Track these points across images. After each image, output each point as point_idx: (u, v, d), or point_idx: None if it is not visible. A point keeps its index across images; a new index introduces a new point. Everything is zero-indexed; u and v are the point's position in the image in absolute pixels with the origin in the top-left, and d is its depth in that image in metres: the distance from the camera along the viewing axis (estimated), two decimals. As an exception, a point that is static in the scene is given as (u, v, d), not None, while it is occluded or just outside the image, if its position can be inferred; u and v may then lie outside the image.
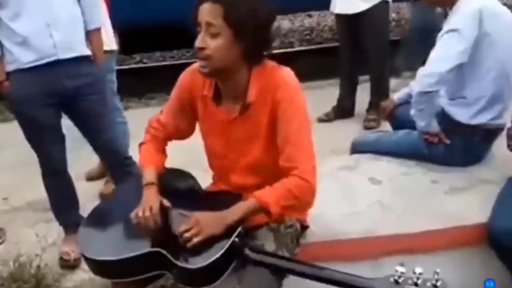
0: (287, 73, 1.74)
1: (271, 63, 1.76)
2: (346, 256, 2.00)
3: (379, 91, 3.98)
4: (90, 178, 3.37)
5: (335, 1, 3.93)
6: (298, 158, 1.68)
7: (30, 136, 2.54)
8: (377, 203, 2.23)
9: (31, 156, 2.61)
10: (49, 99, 2.43)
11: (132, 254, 1.66)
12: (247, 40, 1.63)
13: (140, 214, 1.69)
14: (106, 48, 3.07)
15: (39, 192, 2.70)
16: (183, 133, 1.95)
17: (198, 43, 1.63)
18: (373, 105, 3.97)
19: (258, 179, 1.77)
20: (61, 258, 2.59)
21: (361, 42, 3.95)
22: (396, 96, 2.76)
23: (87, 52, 2.54)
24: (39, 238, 2.59)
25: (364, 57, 4.05)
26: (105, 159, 2.72)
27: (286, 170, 1.69)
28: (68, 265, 2.56)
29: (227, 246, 1.58)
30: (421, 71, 2.28)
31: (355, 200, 2.26)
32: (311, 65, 5.34)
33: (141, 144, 1.95)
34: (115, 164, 2.70)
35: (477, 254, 2.13)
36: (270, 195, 1.65)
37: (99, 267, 1.74)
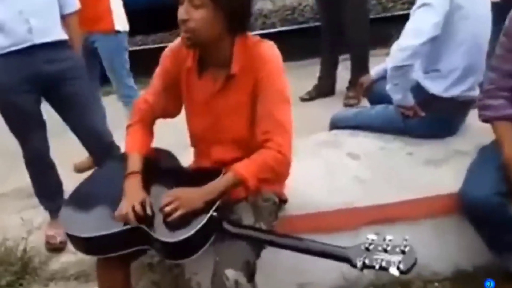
0: (270, 48, 1.77)
1: (254, 37, 1.78)
2: (325, 228, 2.05)
3: (359, 69, 4.01)
4: (79, 170, 3.33)
5: None
6: (275, 132, 1.72)
7: (11, 123, 2.55)
8: (355, 177, 2.27)
9: (16, 144, 2.63)
10: (27, 85, 2.44)
11: (113, 230, 1.70)
12: (229, 10, 1.65)
13: (123, 211, 1.69)
14: (119, 28, 3.12)
15: (24, 179, 2.73)
16: (170, 112, 1.97)
17: (181, 15, 1.65)
18: (353, 83, 3.99)
19: (239, 153, 1.80)
20: (47, 242, 2.64)
21: (341, 19, 3.98)
22: (373, 71, 2.81)
23: (64, 36, 2.54)
24: (25, 222, 2.61)
25: (345, 36, 4.07)
26: (87, 145, 2.73)
27: (262, 142, 1.73)
28: (55, 248, 2.61)
29: (205, 220, 1.62)
30: (395, 45, 2.32)
31: (334, 175, 2.30)
32: (293, 45, 5.33)
33: (128, 126, 1.96)
34: (97, 149, 2.70)
35: (452, 223, 2.19)
36: (247, 168, 1.69)
37: (83, 244, 1.77)
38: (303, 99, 4.22)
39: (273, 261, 2.00)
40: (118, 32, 3.18)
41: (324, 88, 4.28)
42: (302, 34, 5.80)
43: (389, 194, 2.17)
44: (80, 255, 2.34)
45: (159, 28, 5.93)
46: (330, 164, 2.38)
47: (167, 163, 1.97)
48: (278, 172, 1.76)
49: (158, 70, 1.91)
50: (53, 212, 2.67)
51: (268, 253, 1.77)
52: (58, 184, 2.69)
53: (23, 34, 2.39)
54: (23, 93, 2.46)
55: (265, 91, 1.73)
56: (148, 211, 1.69)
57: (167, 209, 1.64)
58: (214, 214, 1.66)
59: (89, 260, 2.30)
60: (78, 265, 2.46)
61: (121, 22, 3.18)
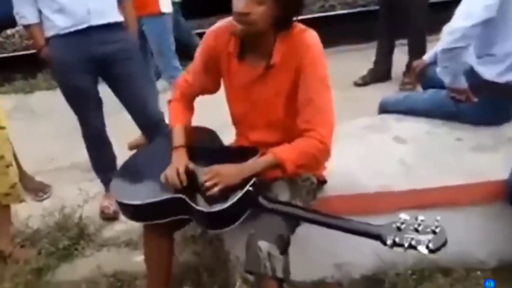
0: (312, 37, 1.79)
1: (297, 26, 1.81)
2: (363, 210, 2.04)
3: (417, 54, 3.91)
4: (132, 147, 3.40)
5: None
6: (317, 121, 1.75)
7: (71, 101, 2.70)
8: (399, 161, 2.26)
9: (75, 120, 2.77)
10: (85, 65, 2.57)
11: (158, 199, 1.81)
12: (284, 9, 1.71)
13: (169, 175, 1.81)
14: (164, 10, 3.22)
15: (83, 155, 2.88)
16: (209, 91, 2.04)
17: (242, 8, 1.69)
18: (410, 69, 3.93)
19: (277, 137, 1.84)
20: (101, 211, 2.80)
21: (400, 3, 3.90)
22: (426, 55, 2.75)
23: (120, 18, 2.65)
24: (82, 193, 2.78)
25: (403, 19, 3.99)
26: (140, 123, 2.83)
27: (303, 131, 1.76)
28: (108, 217, 2.77)
29: (241, 194, 1.70)
30: (446, 27, 2.27)
31: (378, 158, 2.30)
32: (351, 28, 5.28)
33: (169, 101, 2.06)
34: (149, 127, 2.79)
35: (498, 211, 2.14)
36: (287, 153, 1.74)
37: (130, 211, 1.89)
38: (357, 84, 4.18)
39: (309, 240, 2.04)
40: (163, 14, 3.27)
41: (379, 73, 4.21)
42: (361, 18, 5.69)
43: (433, 179, 2.15)
44: (130, 225, 2.53)
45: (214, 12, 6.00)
46: (374, 148, 2.38)
47: (208, 140, 2.04)
48: (318, 161, 1.82)
49: (199, 49, 1.97)
50: (108, 184, 2.81)
51: (305, 232, 1.82)
52: (113, 159, 2.82)
53: (82, 15, 2.51)
54: (82, 73, 2.59)
55: (307, 78, 1.76)
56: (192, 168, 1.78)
57: (208, 184, 1.73)
58: (251, 189, 1.72)
59: (137, 230, 2.42)
60: (128, 234, 2.60)
61: (165, 4, 3.27)
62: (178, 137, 1.92)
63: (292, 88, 1.80)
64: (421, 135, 2.42)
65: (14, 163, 2.52)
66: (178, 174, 1.80)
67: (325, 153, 1.79)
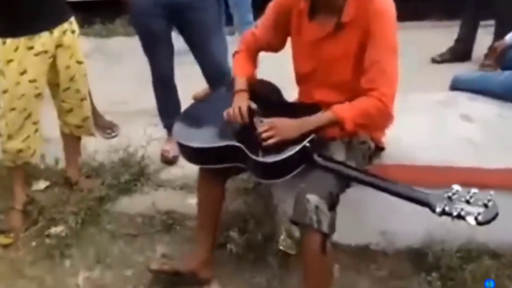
0: (385, 1, 1.77)
1: None
2: (419, 182, 1.99)
3: (502, 36, 3.74)
4: (197, 99, 3.41)
5: None
6: (380, 82, 1.73)
7: (144, 44, 2.79)
8: (463, 139, 2.21)
9: (147, 67, 2.86)
10: (160, 9, 2.63)
11: (215, 145, 1.88)
12: None
13: (231, 112, 1.87)
14: None
15: (151, 100, 2.98)
16: (274, 47, 2.06)
17: None
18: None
19: (341, 97, 1.84)
20: (162, 155, 2.91)
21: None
22: (508, 36, 2.64)
23: None
24: (146, 134, 2.89)
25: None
26: (207, 73, 2.87)
27: (366, 90, 1.75)
28: (167, 160, 2.88)
29: (298, 147, 1.73)
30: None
31: (441, 133, 2.26)
32: (437, 4, 5.09)
33: (235, 53, 2.10)
34: (215, 78, 2.82)
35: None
36: (347, 111, 1.74)
37: (188, 152, 1.97)
38: (434, 61, 4.05)
39: (359, 204, 2.05)
40: None
41: (459, 52, 4.04)
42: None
43: (496, 161, 2.08)
44: (187, 170, 2.63)
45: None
46: (440, 122, 2.34)
47: (271, 94, 2.07)
48: (377, 121, 1.80)
49: (271, 4, 1.98)
50: (170, 130, 2.89)
51: (355, 195, 1.82)
52: (177, 106, 2.90)
53: None
54: (156, 17, 2.66)
55: (375, 41, 1.75)
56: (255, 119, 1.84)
57: (264, 135, 1.76)
58: (307, 144, 1.74)
59: (193, 175, 2.50)
60: (184, 178, 2.70)
61: None
62: (240, 83, 1.97)
63: (360, 49, 1.79)
64: (491, 117, 2.35)
65: (88, 98, 2.65)
66: (240, 111, 1.85)
67: (385, 114, 1.77)
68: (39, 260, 2.34)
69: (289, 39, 2.02)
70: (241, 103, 1.90)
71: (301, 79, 2.03)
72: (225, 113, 1.90)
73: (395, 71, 1.77)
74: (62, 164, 2.83)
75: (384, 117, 1.80)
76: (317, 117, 1.79)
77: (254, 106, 1.91)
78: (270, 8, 1.99)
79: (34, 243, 2.43)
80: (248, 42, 2.07)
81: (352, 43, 1.80)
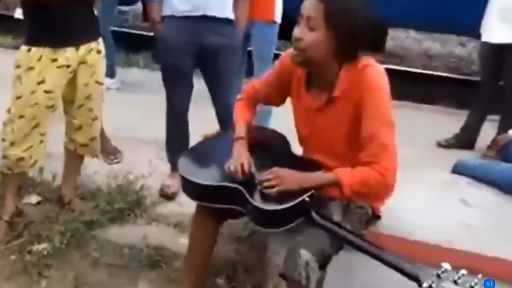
0: (377, 74, 1.79)
1: (364, 61, 1.82)
2: (411, 256, 2.02)
3: (505, 131, 3.83)
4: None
5: (484, 26, 3.83)
6: (382, 156, 1.74)
7: (165, 78, 2.87)
8: (461, 222, 2.23)
9: (162, 101, 2.94)
10: (189, 48, 2.73)
11: (216, 184, 1.90)
12: (341, 40, 1.73)
13: (232, 168, 1.89)
14: (277, 19, 3.35)
15: (161, 133, 3.03)
16: (272, 102, 2.15)
17: (296, 33, 1.76)
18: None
19: (335, 163, 1.86)
20: (161, 189, 2.92)
21: (501, 78, 3.84)
22: (511, 131, 2.72)
23: (232, 16, 2.80)
24: (149, 164, 2.91)
25: (501, 96, 3.91)
26: (220, 117, 2.95)
27: (367, 164, 1.76)
28: (166, 195, 2.89)
29: (297, 200, 1.74)
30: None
31: (439, 214, 2.28)
32: (448, 92, 5.24)
33: (237, 100, 2.18)
34: (227, 120, 2.83)
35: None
36: (348, 177, 1.75)
37: (190, 188, 1.99)
38: (439, 144, 4.13)
39: (350, 267, 2.04)
40: (275, 22, 3.40)
41: (464, 140, 4.12)
42: (460, 84, 5.63)
43: (491, 249, 2.09)
44: (184, 208, 2.64)
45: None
46: (439, 202, 2.37)
47: (279, 144, 2.12)
48: (376, 192, 1.80)
49: (276, 64, 2.05)
50: (175, 165, 2.93)
51: (349, 259, 1.84)
52: (186, 143, 2.94)
53: (199, 4, 2.68)
54: (185, 55, 2.75)
55: (371, 115, 1.76)
56: (252, 169, 1.87)
57: (267, 183, 1.79)
58: (307, 199, 1.76)
59: (189, 215, 2.50)
60: (180, 216, 2.69)
61: (278, 14, 3.41)
62: (240, 130, 2.03)
63: (353, 122, 1.81)
64: (488, 204, 2.38)
65: (100, 118, 2.68)
66: (242, 168, 1.88)
67: (385, 187, 1.78)
68: (15, 276, 2.30)
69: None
70: (243, 156, 1.92)
71: (300, 141, 2.08)
72: (226, 167, 1.93)
73: (394, 145, 1.78)
74: (58, 181, 2.83)
75: (384, 190, 1.81)
76: (319, 175, 1.82)
77: (252, 163, 1.93)
78: (274, 67, 2.06)
79: (13, 257, 2.39)
80: (247, 92, 2.16)
81: (344, 116, 1.84)
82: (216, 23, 2.72)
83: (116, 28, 6.97)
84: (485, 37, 3.82)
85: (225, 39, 2.75)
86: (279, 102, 2.13)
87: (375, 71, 1.80)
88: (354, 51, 1.79)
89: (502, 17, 3.63)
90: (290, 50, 1.93)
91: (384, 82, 1.80)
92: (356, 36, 1.75)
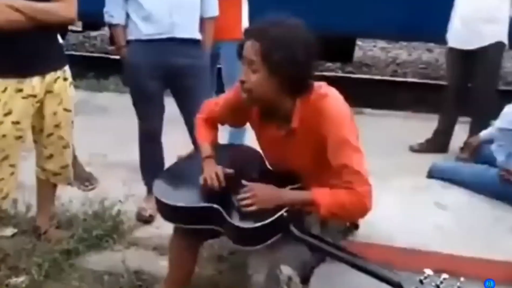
0: (335, 104, 1.79)
1: (319, 90, 1.81)
2: (389, 263, 2.03)
3: (477, 133, 3.90)
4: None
5: (450, 32, 3.90)
6: (356, 183, 1.74)
7: (135, 101, 2.85)
8: (435, 224, 2.26)
9: (134, 123, 2.92)
10: (157, 71, 2.73)
11: (193, 205, 1.89)
12: (284, 77, 1.73)
13: (207, 177, 1.90)
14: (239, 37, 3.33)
15: (135, 155, 3.00)
16: (232, 124, 2.18)
17: (240, 76, 1.79)
18: (468, 145, 3.90)
19: (310, 184, 1.85)
20: (138, 212, 2.89)
21: (469, 81, 3.91)
22: (482, 133, 2.77)
23: (198, 36, 2.81)
24: (124, 189, 2.89)
25: (470, 99, 3.99)
26: (193, 136, 2.91)
27: (345, 188, 1.75)
28: (143, 219, 2.86)
29: (275, 217, 1.74)
30: (507, 108, 2.29)
31: (414, 217, 2.30)
32: (418, 97, 5.33)
33: (199, 117, 2.17)
34: None
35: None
36: (326, 199, 1.75)
37: (165, 210, 1.97)
38: (413, 149, 4.17)
39: (332, 279, 2.04)
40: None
41: (437, 144, 4.17)
42: (429, 89, 5.73)
43: (466, 249, 2.12)
44: (162, 231, 2.60)
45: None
46: (414, 207, 2.39)
47: (253, 159, 2.11)
48: (352, 216, 1.85)
49: (236, 88, 1.98)
50: (150, 187, 2.90)
51: (330, 270, 1.84)
52: (161, 165, 2.92)
53: (166, 26, 2.68)
54: (153, 78, 2.74)
55: (333, 145, 1.76)
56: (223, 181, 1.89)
57: (243, 202, 1.79)
58: (285, 214, 1.76)
59: (168, 237, 2.48)
60: (158, 239, 2.66)
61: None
62: (206, 150, 2.03)
63: (318, 148, 1.80)
64: (462, 206, 2.42)
65: (71, 146, 2.66)
66: (217, 176, 1.88)
67: (362, 211, 1.79)
68: (-6, 311, 2.25)
69: None
70: (213, 168, 1.93)
71: (269, 164, 2.07)
72: (201, 179, 1.93)
73: (363, 168, 1.77)
74: (33, 212, 2.78)
75: (359, 214, 1.84)
76: (296, 193, 1.82)
77: (230, 171, 1.95)
78: (234, 90, 2.02)
79: (-10, 292, 2.34)
80: (209, 112, 2.14)
81: (307, 145, 1.84)
82: (182, 45, 2.73)
83: (85, 53, 6.98)
84: (451, 43, 3.89)
85: (192, 60, 2.76)
86: (240, 125, 2.14)
87: (332, 101, 1.79)
88: (302, 84, 1.78)
89: (465, 23, 3.71)
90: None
91: (343, 110, 1.79)
92: (299, 70, 1.73)
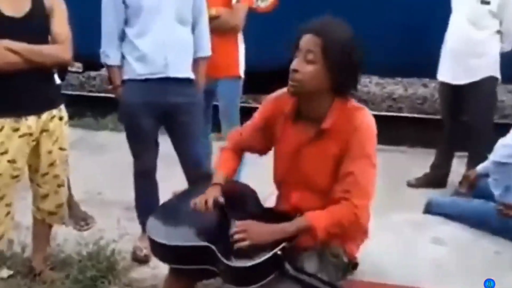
0: (368, 118, 1.87)
1: (355, 103, 1.90)
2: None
3: (474, 167, 3.89)
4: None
5: (441, 67, 3.91)
6: (353, 193, 1.79)
7: (130, 137, 2.87)
8: (433, 262, 2.24)
9: (130, 162, 2.92)
10: (152, 109, 2.75)
11: (186, 244, 1.86)
12: (336, 74, 1.81)
13: (197, 201, 1.92)
14: (241, 74, 3.35)
15: (130, 194, 2.99)
16: (257, 150, 2.14)
17: (294, 65, 1.83)
18: (467, 179, 3.88)
19: (318, 202, 1.87)
20: (133, 252, 2.86)
21: (463, 115, 3.93)
22: (479, 166, 2.76)
23: (192, 75, 2.84)
24: (119, 228, 2.86)
25: (466, 133, 3.99)
26: (188, 173, 2.93)
27: (339, 199, 1.80)
28: (138, 258, 2.83)
29: (269, 255, 1.71)
30: (501, 140, 2.29)
31: (413, 254, 2.28)
32: (415, 132, 5.34)
33: (221, 149, 2.18)
34: (194, 177, 2.84)
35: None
36: (320, 220, 1.77)
37: (158, 249, 1.94)
38: (410, 184, 4.15)
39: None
40: (240, 77, 3.44)
41: (434, 178, 4.15)
42: (425, 124, 5.75)
43: (466, 286, 2.10)
44: (158, 271, 2.58)
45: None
46: (411, 244, 2.37)
47: (247, 197, 2.10)
48: (348, 231, 1.84)
49: (258, 111, 2.09)
50: (145, 226, 2.88)
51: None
52: (156, 203, 2.87)
53: (160, 66, 2.72)
54: (148, 116, 2.76)
55: (352, 153, 1.82)
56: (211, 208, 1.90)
57: (236, 236, 1.77)
58: (279, 252, 1.74)
59: (163, 277, 2.45)
60: (154, 279, 2.63)
61: (242, 69, 3.45)
62: (218, 177, 2.04)
63: (338, 157, 1.85)
64: (460, 242, 2.39)
65: (66, 185, 2.66)
66: (206, 202, 1.89)
67: (356, 224, 1.81)
68: None
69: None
70: (210, 195, 1.94)
71: (279, 180, 2.06)
72: (191, 202, 1.93)
73: (370, 183, 1.82)
74: (28, 252, 2.75)
75: (354, 227, 1.84)
76: (290, 224, 1.81)
77: (221, 200, 1.95)
78: (258, 112, 2.09)
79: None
80: (234, 140, 2.16)
81: (331, 150, 1.87)
82: (176, 84, 2.76)
83: (84, 93, 7.04)
84: (441, 77, 3.92)
85: (186, 98, 2.78)
86: (264, 150, 2.12)
87: (367, 115, 1.88)
88: (348, 85, 1.87)
89: (455, 57, 3.74)
90: (272, 95, 2.03)
91: (374, 129, 1.86)
92: (350, 70, 1.83)
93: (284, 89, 1.96)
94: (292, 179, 1.99)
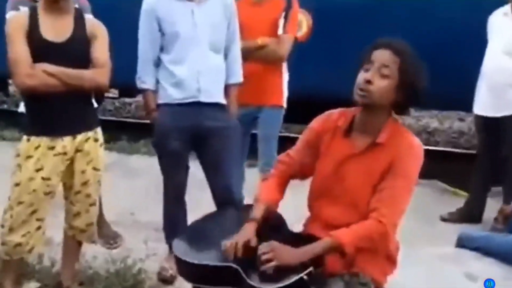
0: (417, 141, 1.93)
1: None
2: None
3: (510, 202, 3.78)
4: None
5: (476, 100, 3.86)
6: (384, 203, 1.81)
7: (162, 164, 2.91)
8: (466, 298, 2.18)
9: (161, 185, 2.95)
10: (185, 133, 2.79)
11: (212, 264, 1.85)
12: (405, 94, 1.86)
13: (228, 245, 1.87)
14: (284, 104, 3.37)
15: (160, 215, 3.02)
16: (307, 170, 2.10)
17: (367, 76, 1.86)
18: (503, 215, 3.76)
19: (352, 218, 1.86)
20: (159, 272, 2.87)
21: (499, 148, 3.84)
22: (516, 201, 2.68)
23: (223, 101, 2.88)
24: (147, 248, 2.88)
25: (501, 168, 3.90)
26: (217, 198, 2.92)
27: (369, 211, 1.82)
28: (164, 278, 2.83)
29: (295, 279, 1.69)
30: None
31: (444, 289, 2.23)
32: (450, 166, 5.23)
33: (264, 179, 2.17)
34: (225, 204, 2.78)
35: None
36: (346, 236, 1.78)
37: (184, 268, 1.94)
38: (443, 219, 4.05)
39: None
40: (282, 107, 3.44)
41: (469, 214, 4.03)
42: (461, 159, 5.63)
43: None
44: (182, 291, 2.55)
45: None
46: (443, 278, 2.32)
47: (275, 222, 2.07)
48: (376, 242, 1.83)
49: (305, 132, 2.10)
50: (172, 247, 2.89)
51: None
52: (184, 225, 2.88)
53: (193, 91, 2.78)
54: (180, 140, 2.80)
55: (398, 170, 1.85)
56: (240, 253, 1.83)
57: (264, 257, 1.76)
58: (305, 277, 1.71)
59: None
60: (178, 298, 2.63)
61: (285, 99, 3.46)
62: (256, 212, 1.99)
63: (383, 173, 1.87)
64: (494, 278, 2.29)
65: (97, 204, 2.70)
66: (236, 246, 1.85)
67: (383, 233, 1.81)
68: None
69: None
70: (242, 236, 1.89)
71: (315, 196, 2.05)
72: (223, 244, 1.90)
73: (404, 200, 1.85)
74: (57, 267, 2.79)
75: (382, 237, 1.83)
76: (317, 244, 1.80)
77: (254, 243, 1.89)
78: (304, 134, 2.11)
79: None
80: (282, 164, 2.13)
81: (380, 165, 1.88)
82: (208, 108, 2.80)
83: (120, 118, 7.20)
84: (476, 110, 3.87)
85: (217, 122, 2.81)
86: (311, 169, 2.08)
87: (416, 139, 1.94)
88: (409, 103, 1.94)
89: (492, 89, 3.68)
90: (320, 117, 2.08)
91: (420, 146, 1.92)
92: (416, 92, 1.89)
93: (331, 110, 2.01)
94: (331, 192, 1.97)
